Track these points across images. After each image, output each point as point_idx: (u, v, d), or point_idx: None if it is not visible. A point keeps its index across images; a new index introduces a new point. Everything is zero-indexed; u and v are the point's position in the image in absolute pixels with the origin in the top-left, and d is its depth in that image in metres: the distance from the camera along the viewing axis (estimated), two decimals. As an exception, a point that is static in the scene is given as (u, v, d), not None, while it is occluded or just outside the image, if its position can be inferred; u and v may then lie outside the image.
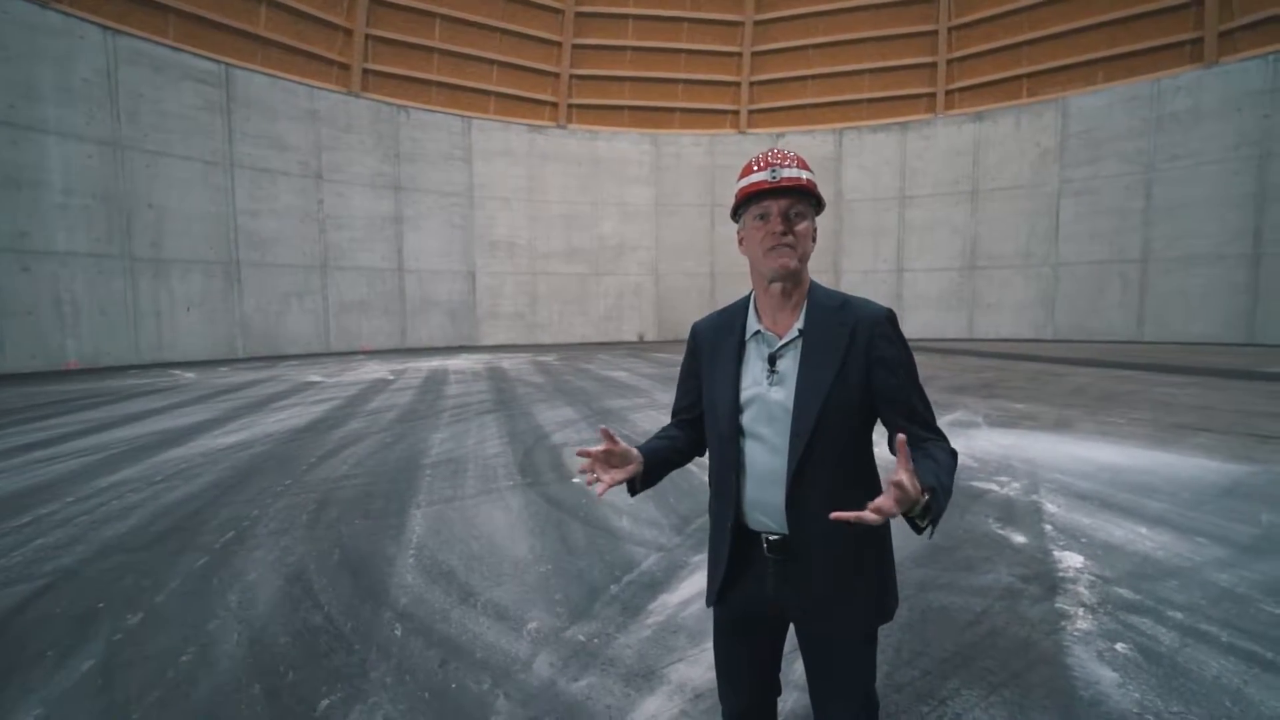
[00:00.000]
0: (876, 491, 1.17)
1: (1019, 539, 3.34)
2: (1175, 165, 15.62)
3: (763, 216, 1.20)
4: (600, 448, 1.22)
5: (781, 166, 1.19)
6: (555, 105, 19.96)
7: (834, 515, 1.00)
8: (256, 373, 11.94)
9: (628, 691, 2.09)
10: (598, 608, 2.66)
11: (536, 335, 19.87)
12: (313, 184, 16.02)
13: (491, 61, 18.91)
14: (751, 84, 20.68)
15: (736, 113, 20.89)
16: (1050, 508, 3.83)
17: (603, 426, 1.27)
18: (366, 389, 9.60)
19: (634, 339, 20.91)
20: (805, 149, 20.31)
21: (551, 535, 3.51)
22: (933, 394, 8.55)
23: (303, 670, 2.21)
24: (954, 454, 1.16)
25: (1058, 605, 2.62)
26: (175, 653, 2.33)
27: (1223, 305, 15.01)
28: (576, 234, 20.17)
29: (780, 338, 1.21)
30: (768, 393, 1.18)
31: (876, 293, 19.68)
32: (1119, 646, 2.30)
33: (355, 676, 2.18)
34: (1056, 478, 4.44)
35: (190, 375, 11.50)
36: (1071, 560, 3.05)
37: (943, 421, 6.51)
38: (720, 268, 20.94)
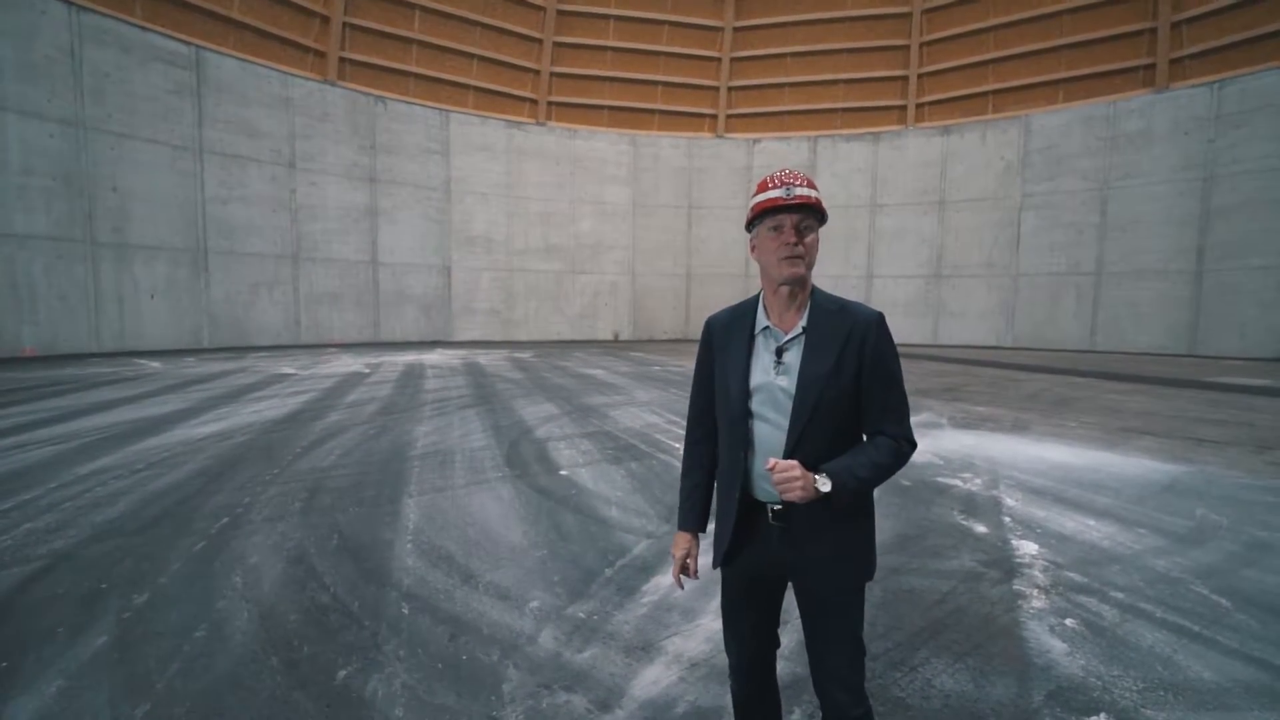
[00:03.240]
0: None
1: (980, 529, 3.60)
2: (1128, 183, 16.47)
3: (777, 229, 1.37)
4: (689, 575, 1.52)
5: (795, 185, 1.36)
6: (535, 102, 19.96)
7: (768, 466, 1.29)
8: (225, 363, 11.71)
9: (629, 662, 2.26)
10: (594, 588, 2.81)
11: (512, 332, 19.84)
12: (285, 173, 15.72)
13: (471, 55, 18.82)
14: (730, 89, 21.01)
15: (714, 117, 21.20)
16: (1009, 501, 4.11)
17: (680, 577, 1.52)
18: (342, 382, 9.53)
19: (609, 338, 21.04)
20: (780, 155, 20.75)
21: (544, 523, 3.64)
22: (900, 396, 8.92)
23: (317, 644, 2.32)
24: (897, 451, 1.35)
25: (1015, 587, 2.87)
26: (188, 629, 2.40)
27: (1168, 318, 15.89)
28: (554, 231, 20.20)
29: (786, 333, 1.39)
30: (774, 380, 1.37)
31: (847, 297, 20.11)
32: (1068, 622, 2.55)
33: (369, 649, 2.29)
34: (1014, 475, 4.74)
35: (155, 365, 11.22)
36: (1027, 548, 3.32)
37: (911, 422, 6.79)
38: (696, 269, 21.23)
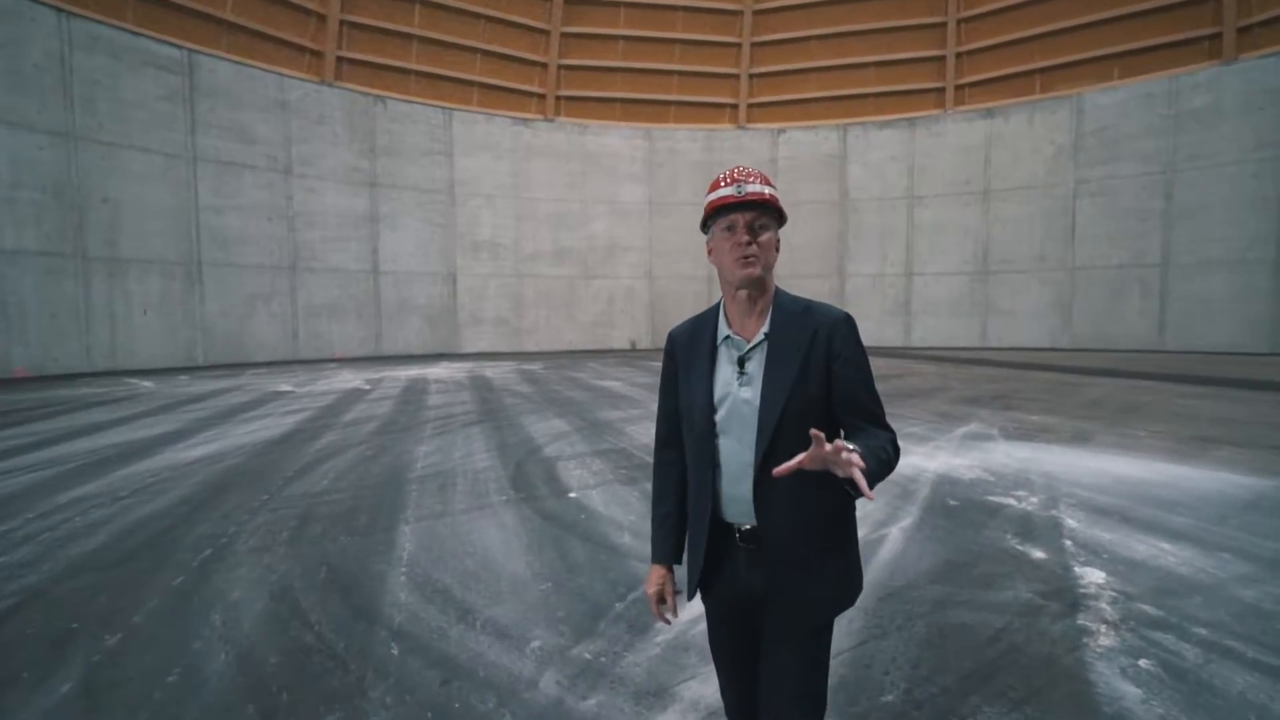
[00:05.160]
0: (836, 481, 1.20)
1: (1038, 554, 3.45)
2: (1195, 166, 16.02)
3: (730, 228, 1.37)
4: (668, 612, 1.49)
5: (746, 182, 1.37)
6: (543, 97, 20.13)
7: (776, 470, 1.16)
8: (220, 381, 11.91)
9: (639, 710, 2.17)
10: (603, 626, 2.73)
11: (522, 342, 19.93)
12: (281, 179, 16.04)
13: (475, 50, 19.07)
14: (751, 76, 20.98)
15: (735, 107, 21.17)
16: (1070, 522, 3.95)
17: (662, 617, 1.49)
18: (341, 399, 9.62)
19: (626, 346, 21.02)
20: (808, 146, 20.63)
21: (550, 552, 3.58)
22: (945, 405, 8.69)
23: (297, 691, 2.27)
24: (895, 444, 1.32)
25: (1079, 621, 2.72)
26: (160, 673, 2.37)
27: (1247, 312, 15.36)
28: (565, 234, 20.29)
29: (748, 341, 1.39)
30: (737, 393, 1.37)
31: (884, 298, 19.97)
32: (1142, 663, 2.40)
33: (353, 697, 2.23)
34: (1075, 492, 4.57)
35: (148, 384, 11.45)
36: (1093, 576, 3.17)
37: (956, 434, 6.68)
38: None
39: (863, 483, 1.10)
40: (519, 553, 3.57)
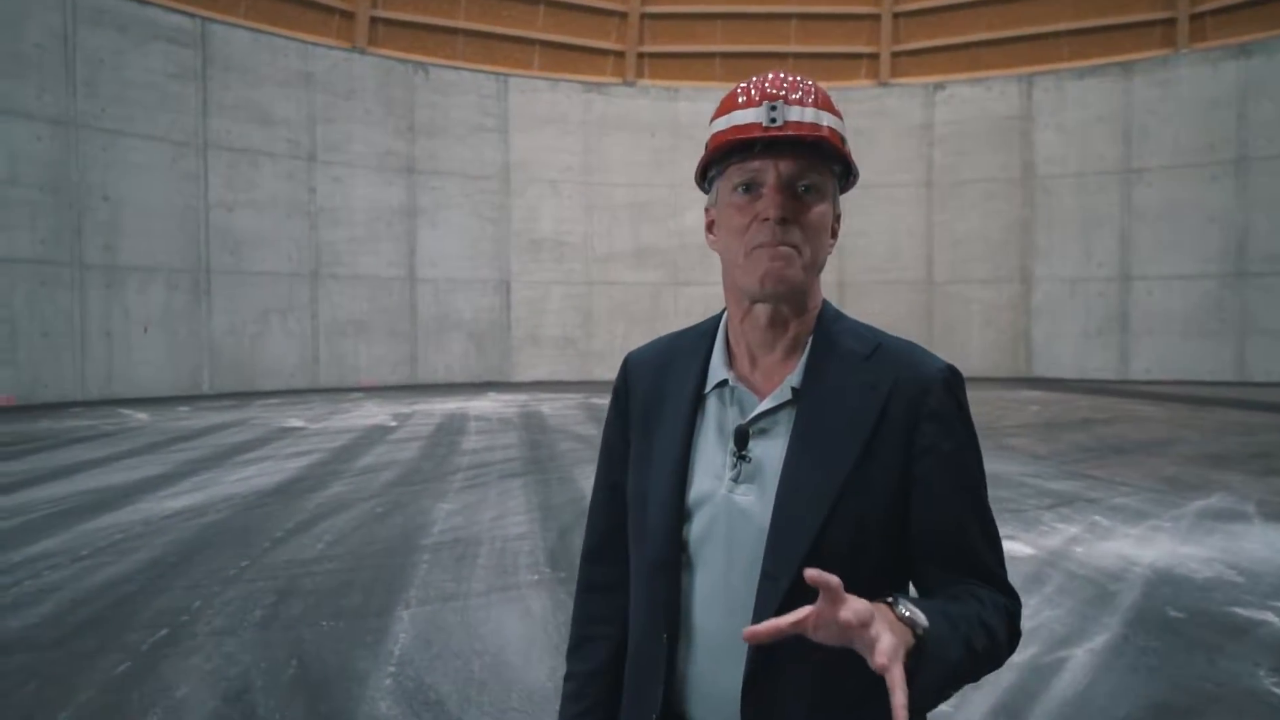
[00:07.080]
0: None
1: (1308, 701, 3.08)
2: None
3: (747, 188, 1.01)
4: None
5: (788, 102, 0.98)
6: (621, 55, 20.61)
7: (748, 631, 0.77)
8: (223, 414, 12.79)
9: None
10: (639, 767, 2.60)
11: (592, 368, 20.19)
12: (304, 167, 17.22)
13: (537, 1, 19.83)
14: (896, 16, 20.60)
15: (875, 57, 20.83)
16: (1363, 652, 3.52)
17: None
18: (359, 439, 10.10)
19: (726, 375, 20.87)
20: (977, 105, 19.93)
21: (584, 655, 3.51)
22: (1174, 466, 8.15)
23: (229, 829, 2.28)
24: (1014, 616, 0.97)
25: (1371, 813, 2.34)
26: (73, 792, 2.46)
27: None
28: (649, 229, 20.54)
29: (761, 399, 1.02)
30: (730, 495, 0.99)
31: (1088, 311, 18.81)
32: None
33: (296, 844, 2.22)
34: (1375, 604, 4.09)
35: (142, 416, 12.46)
36: (1397, 740, 2.76)
37: (1189, 509, 6.25)
38: (851, 274, 20.63)
39: (899, 700, 0.68)
40: (543, 654, 3.53)
